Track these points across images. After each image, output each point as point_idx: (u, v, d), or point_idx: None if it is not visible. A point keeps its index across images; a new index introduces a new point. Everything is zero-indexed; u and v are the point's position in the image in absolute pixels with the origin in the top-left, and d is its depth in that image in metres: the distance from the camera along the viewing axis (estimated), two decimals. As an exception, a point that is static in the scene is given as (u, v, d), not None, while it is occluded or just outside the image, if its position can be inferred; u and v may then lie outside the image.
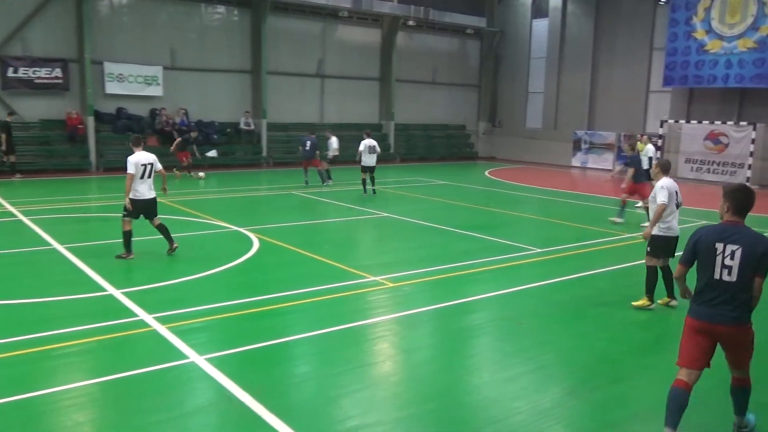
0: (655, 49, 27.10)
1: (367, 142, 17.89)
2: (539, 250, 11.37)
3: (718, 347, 4.70)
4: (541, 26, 31.82)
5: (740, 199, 4.60)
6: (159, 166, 10.09)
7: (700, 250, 4.61)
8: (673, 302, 8.19)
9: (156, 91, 23.91)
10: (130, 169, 9.59)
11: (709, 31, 24.23)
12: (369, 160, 17.76)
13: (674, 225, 8.02)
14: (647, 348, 7.03)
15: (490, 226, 13.82)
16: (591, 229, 13.56)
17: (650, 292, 8.10)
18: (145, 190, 9.80)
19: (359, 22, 29.08)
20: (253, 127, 26.09)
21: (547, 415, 5.24)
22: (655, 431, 4.88)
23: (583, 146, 29.46)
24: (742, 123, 23.65)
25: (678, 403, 4.53)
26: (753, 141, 22.91)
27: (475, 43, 33.70)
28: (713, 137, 24.48)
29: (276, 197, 17.96)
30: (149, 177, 9.85)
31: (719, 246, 4.51)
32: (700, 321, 4.63)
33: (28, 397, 5.29)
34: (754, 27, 22.98)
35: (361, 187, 18.08)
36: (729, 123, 23.99)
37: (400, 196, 18.43)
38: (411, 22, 29.68)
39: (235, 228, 12.58)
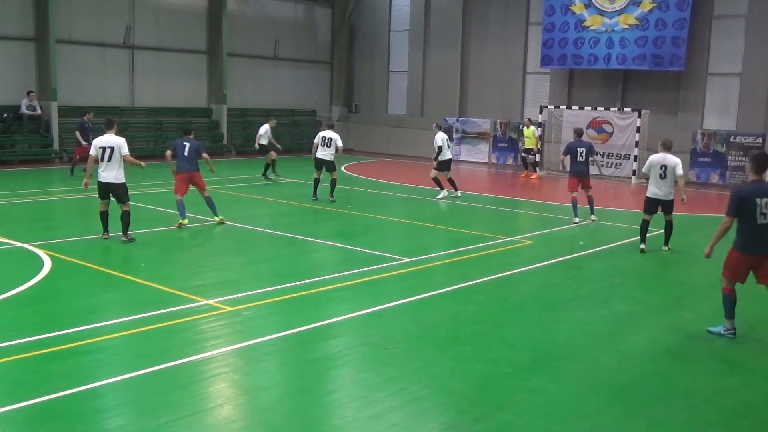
0: (532, 24, 28.91)
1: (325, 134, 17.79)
2: (407, 260, 11.69)
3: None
4: (400, -8, 32.80)
5: (760, 161, 8.03)
6: (125, 151, 12.07)
7: (744, 204, 7.79)
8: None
9: None
10: (91, 151, 12.14)
11: (588, 5, 26.22)
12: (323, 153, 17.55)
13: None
14: (530, 369, 7.44)
15: (349, 233, 14.01)
16: (465, 233, 14.17)
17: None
18: (105, 174, 12.01)
19: (178, -20, 28.41)
20: (39, 111, 24.52)
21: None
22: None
23: (455, 136, 30.56)
24: (626, 109, 25.71)
25: (731, 302, 8.08)
26: (638, 129, 24.90)
27: (326, 11, 34.11)
28: (596, 125, 26.39)
29: (74, 202, 17.00)
30: (108, 161, 11.93)
31: (758, 200, 7.77)
32: (750, 254, 7.94)
33: None
34: (635, 2, 25.20)
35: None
36: (613, 109, 26.01)
37: (236, 197, 18.18)
38: (245, -18, 29.46)
39: (17, 244, 11.82)
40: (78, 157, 18.89)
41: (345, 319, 8.69)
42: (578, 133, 16.07)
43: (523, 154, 25.92)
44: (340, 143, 17.47)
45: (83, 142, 19.10)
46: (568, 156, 15.26)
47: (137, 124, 27.57)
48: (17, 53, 24.43)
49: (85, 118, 20.56)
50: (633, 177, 24.33)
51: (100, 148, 11.92)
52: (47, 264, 10.59)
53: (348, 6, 33.67)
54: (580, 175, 15.14)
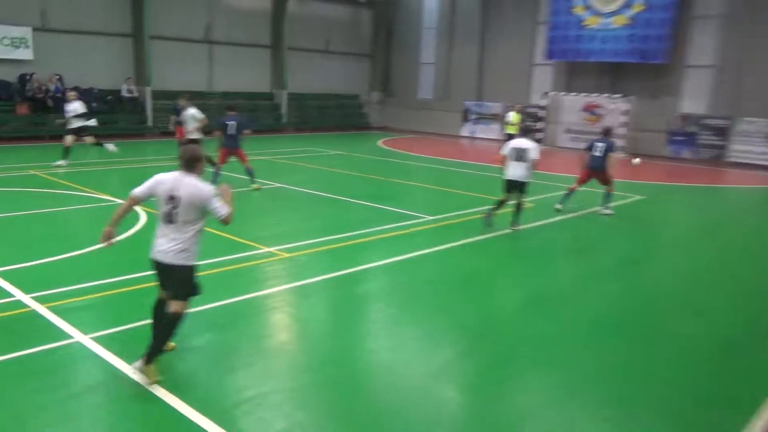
0: (539, 23, 28.27)
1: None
2: (430, 218, 11.72)
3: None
4: (431, -3, 32.27)
5: None
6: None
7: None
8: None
9: (25, 54, 22.10)
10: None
11: (588, 7, 25.61)
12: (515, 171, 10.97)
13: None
14: (530, 307, 7.47)
15: (383, 195, 14.03)
16: (479, 197, 14.12)
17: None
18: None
19: (248, -13, 28.22)
20: (136, 94, 24.80)
21: (439, 378, 5.50)
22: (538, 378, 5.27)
23: (471, 117, 30.40)
24: (615, 95, 25.32)
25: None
26: (626, 112, 24.62)
27: (368, 12, 33.65)
28: (589, 108, 26.10)
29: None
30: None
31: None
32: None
33: None
34: (628, 4, 24.54)
35: None
36: (604, 95, 25.62)
37: (292, 166, 18.29)
38: (301, -12, 29.18)
39: (120, 201, 12.04)
40: (179, 136, 17.13)
41: (378, 265, 8.76)
42: (605, 131, 13.15)
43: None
44: (535, 154, 10.77)
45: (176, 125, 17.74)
46: (588, 151, 12.78)
47: (213, 105, 27.71)
48: (119, 47, 24.64)
49: (180, 102, 20.09)
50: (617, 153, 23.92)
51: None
52: (143, 218, 10.80)
53: (386, 8, 33.23)
54: (594, 169, 12.61)
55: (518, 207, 10.95)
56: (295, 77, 30.26)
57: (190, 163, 5.15)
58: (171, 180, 5.13)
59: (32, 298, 6.78)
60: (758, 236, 12.19)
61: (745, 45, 22.80)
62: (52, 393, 4.93)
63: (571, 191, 12.93)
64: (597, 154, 12.57)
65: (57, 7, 22.80)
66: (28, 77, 22.19)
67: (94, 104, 23.40)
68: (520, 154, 10.69)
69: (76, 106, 16.61)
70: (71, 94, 17.25)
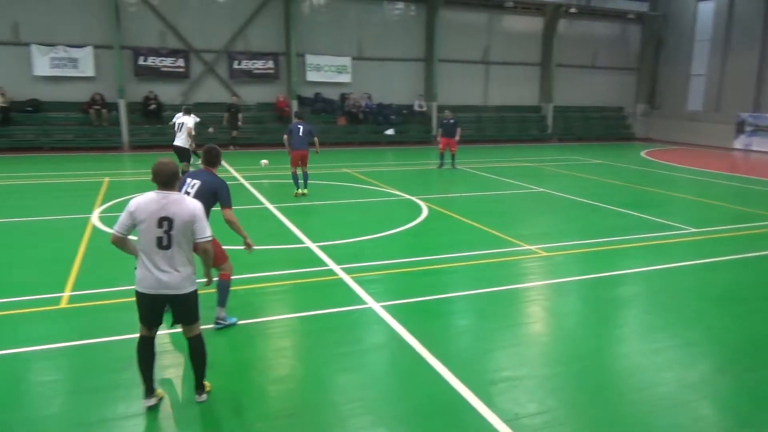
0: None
1: None
2: (694, 230, 10.34)
3: None
4: (706, 8, 28.29)
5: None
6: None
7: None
8: None
9: (346, 78, 24.98)
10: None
11: None
12: None
13: None
14: (808, 334, 6.15)
15: (643, 204, 12.77)
16: (750, 212, 12.04)
17: None
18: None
19: (523, 12, 27.86)
20: (425, 108, 26.34)
21: (694, 390, 4.83)
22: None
23: (747, 129, 25.98)
24: None
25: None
26: None
27: (636, 27, 30.83)
28: None
29: (442, 171, 17.80)
30: (179, 131, 13.06)
31: None
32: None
33: (242, 324, 5.92)
34: None
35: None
36: None
37: (556, 173, 17.66)
38: (573, 10, 27.86)
39: (408, 196, 12.89)
40: (442, 146, 17.43)
41: (634, 272, 8.02)
42: None
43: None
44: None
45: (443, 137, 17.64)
46: None
47: (487, 117, 28.16)
48: (413, 69, 26.39)
49: (445, 114, 20.29)
50: None
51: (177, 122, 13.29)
52: (425, 211, 11.41)
53: (656, 23, 30.06)
54: None
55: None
56: (561, 91, 29.14)
57: (169, 180, 4.08)
58: (151, 200, 4.05)
59: (341, 268, 7.62)
60: None
61: None
62: (348, 345, 5.49)
63: None
64: None
65: (370, 40, 25.28)
66: (346, 96, 25.06)
67: (393, 117, 25.47)
68: None
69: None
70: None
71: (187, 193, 5.22)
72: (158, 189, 4.08)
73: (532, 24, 28.36)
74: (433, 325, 6.01)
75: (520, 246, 9.00)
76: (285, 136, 12.70)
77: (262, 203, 11.87)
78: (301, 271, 7.53)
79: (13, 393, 4.55)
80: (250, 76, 23.58)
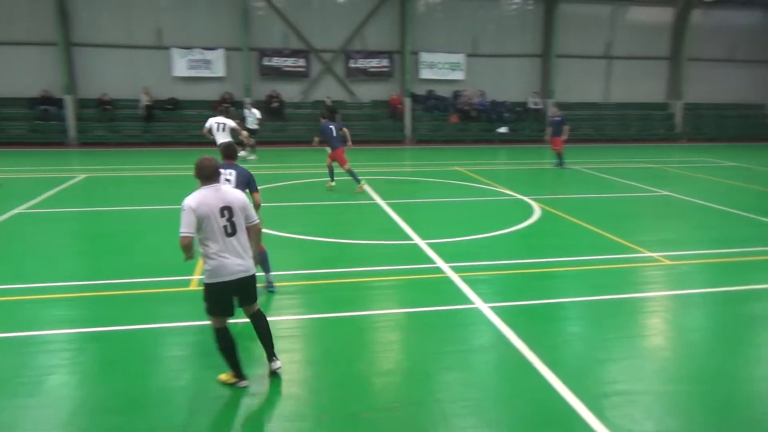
0: None
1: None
2: None
3: None
4: None
5: None
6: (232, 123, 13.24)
7: None
8: None
9: (459, 75, 24.82)
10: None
11: None
12: None
13: None
14: None
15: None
16: None
17: None
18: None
19: (650, 3, 26.04)
20: (540, 106, 25.49)
21: None
22: None
23: None
24: None
25: None
26: None
27: (786, 16, 27.70)
28: None
29: (558, 171, 16.98)
30: (221, 131, 13.12)
31: None
32: None
33: (351, 316, 6.09)
34: None
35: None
36: None
37: (683, 175, 16.35)
38: (710, -1, 25.63)
39: (520, 196, 12.56)
40: (556, 147, 16.80)
41: (774, 286, 7.23)
42: None
43: None
44: None
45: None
46: None
47: (608, 115, 26.70)
48: (528, 66, 25.63)
49: (553, 111, 19.53)
50: None
51: (216, 123, 13.27)
52: (537, 212, 11.05)
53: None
54: None
55: None
56: (693, 87, 26.90)
57: (213, 174, 4.42)
58: (206, 196, 4.33)
59: (449, 267, 7.59)
60: None
61: None
62: (454, 344, 5.45)
63: None
64: None
65: (485, 36, 24.88)
66: (459, 93, 24.88)
67: (506, 114, 24.92)
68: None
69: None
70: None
71: (227, 181, 5.69)
72: (203, 184, 4.38)
73: (661, 15, 26.42)
74: (542, 330, 5.81)
75: (640, 252, 8.44)
76: (317, 138, 12.97)
77: (372, 198, 12.11)
78: (409, 267, 7.60)
79: (149, 363, 5.02)
80: (366, 74, 24.14)
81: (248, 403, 4.46)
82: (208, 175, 4.38)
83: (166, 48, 22.45)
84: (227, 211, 4.34)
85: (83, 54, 22.02)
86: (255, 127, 18.48)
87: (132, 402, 4.43)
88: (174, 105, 22.74)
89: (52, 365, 4.99)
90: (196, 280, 6.94)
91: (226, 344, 4.54)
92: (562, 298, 6.70)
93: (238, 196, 4.45)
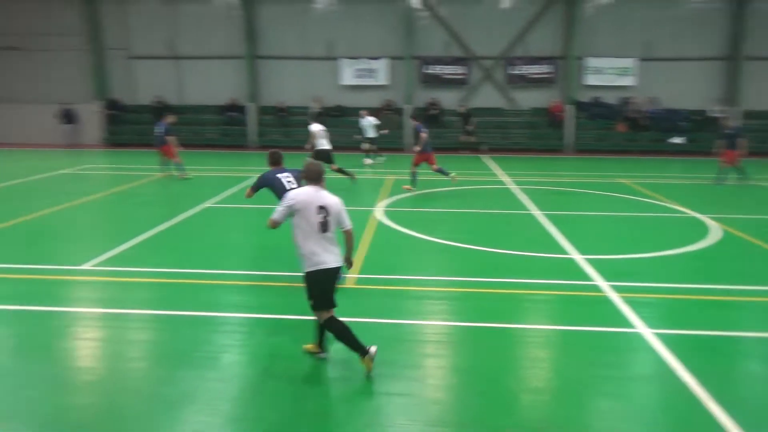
0: None
1: None
2: None
3: None
4: None
5: None
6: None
7: None
8: None
9: (629, 81, 23.19)
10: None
11: None
12: None
13: None
14: None
15: None
16: None
17: None
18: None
19: None
20: (723, 114, 22.81)
21: None
22: None
23: None
24: None
25: None
26: None
27: None
28: None
29: (743, 188, 15.02)
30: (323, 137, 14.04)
31: None
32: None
33: (501, 327, 5.96)
34: None
35: None
36: None
37: None
38: None
39: (694, 214, 11.39)
40: (728, 161, 15.12)
41: None
42: None
43: None
44: None
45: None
46: None
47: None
48: (710, 70, 23.07)
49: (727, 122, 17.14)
50: None
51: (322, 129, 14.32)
52: (714, 232, 9.91)
53: None
54: None
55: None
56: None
57: (319, 178, 5.06)
58: (308, 193, 4.95)
59: (609, 285, 7.12)
60: None
61: None
62: (611, 369, 5.09)
63: None
64: None
65: (660, 39, 22.90)
66: (627, 100, 23.20)
67: (682, 123, 22.72)
68: None
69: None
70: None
71: (289, 182, 6.82)
72: (309, 185, 5.06)
73: None
74: (716, 364, 5.21)
75: None
76: (424, 137, 13.23)
77: (527, 208, 11.77)
78: (563, 283, 7.25)
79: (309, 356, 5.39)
80: (526, 81, 23.55)
81: (396, 403, 4.57)
82: (313, 178, 5.06)
83: (335, 59, 23.92)
84: (324, 210, 4.90)
85: (265, 66, 24.33)
86: (373, 135, 19.15)
87: (288, 385, 4.77)
88: (340, 112, 24.13)
89: (227, 344, 5.57)
90: (353, 279, 7.29)
91: (341, 330, 4.93)
92: (741, 332, 5.95)
93: (335, 201, 5.01)
